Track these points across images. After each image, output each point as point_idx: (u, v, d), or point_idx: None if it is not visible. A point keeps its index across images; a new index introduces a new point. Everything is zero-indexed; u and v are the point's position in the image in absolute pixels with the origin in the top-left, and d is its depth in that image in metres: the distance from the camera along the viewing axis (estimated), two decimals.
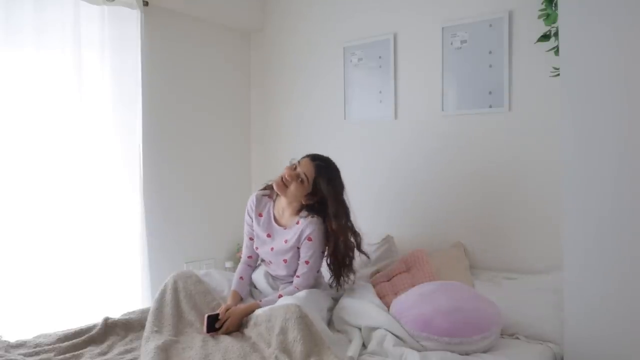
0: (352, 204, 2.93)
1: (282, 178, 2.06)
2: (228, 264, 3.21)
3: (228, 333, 1.89)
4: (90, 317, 2.25)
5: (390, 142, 2.83)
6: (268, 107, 3.43)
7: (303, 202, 2.10)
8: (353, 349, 1.76)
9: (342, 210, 2.10)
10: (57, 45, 2.40)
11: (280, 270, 2.16)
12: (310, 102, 3.20)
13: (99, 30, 2.55)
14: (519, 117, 2.39)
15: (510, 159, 2.42)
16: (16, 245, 2.28)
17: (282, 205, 2.17)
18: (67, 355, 1.76)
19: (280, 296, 2.03)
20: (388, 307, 2.04)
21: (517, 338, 1.99)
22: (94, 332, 1.91)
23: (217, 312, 1.94)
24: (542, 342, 1.94)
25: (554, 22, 2.11)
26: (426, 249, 2.43)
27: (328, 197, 2.06)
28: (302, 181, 2.05)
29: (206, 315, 1.91)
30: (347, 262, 2.12)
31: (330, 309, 2.10)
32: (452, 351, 1.75)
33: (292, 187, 2.05)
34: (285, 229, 2.14)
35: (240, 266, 2.25)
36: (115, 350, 1.83)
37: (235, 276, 2.20)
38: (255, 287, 2.24)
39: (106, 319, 1.99)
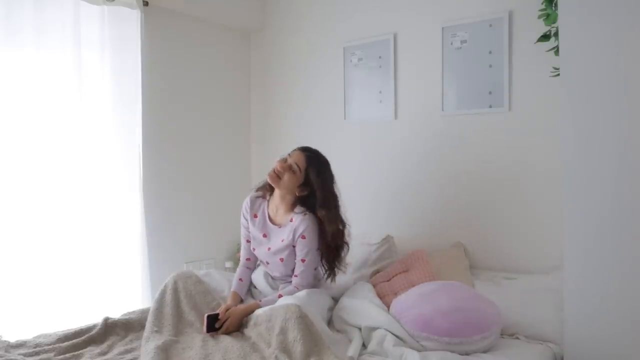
0: (353, 204, 2.93)
1: (274, 170, 2.07)
2: (228, 264, 3.21)
3: (228, 333, 1.89)
4: (90, 317, 2.25)
5: (390, 142, 2.83)
6: (268, 107, 3.43)
7: (297, 194, 2.10)
8: (353, 349, 1.76)
9: (332, 200, 2.10)
10: (57, 45, 2.40)
11: (279, 270, 2.16)
12: (310, 102, 3.20)
13: (99, 30, 2.55)
14: (519, 117, 2.39)
15: (510, 159, 2.42)
16: (16, 245, 2.28)
17: (276, 204, 2.17)
18: (67, 355, 1.76)
19: (280, 296, 2.03)
20: (388, 307, 2.04)
21: (517, 338, 1.99)
22: (94, 332, 1.91)
23: (217, 312, 1.94)
24: (542, 342, 1.94)
25: (554, 22, 2.11)
26: (426, 249, 2.43)
27: (317, 187, 2.08)
28: (294, 171, 2.06)
29: (206, 315, 1.91)
30: (339, 253, 2.12)
31: (331, 309, 2.10)
32: (452, 351, 1.75)
33: (285, 178, 2.06)
34: (280, 227, 2.14)
35: (239, 269, 2.26)
36: (115, 350, 1.83)
37: (235, 278, 2.21)
38: (255, 287, 2.24)
39: (106, 319, 1.99)
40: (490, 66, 2.45)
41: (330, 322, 2.03)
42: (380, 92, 2.85)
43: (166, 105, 2.97)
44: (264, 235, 2.18)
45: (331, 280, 2.17)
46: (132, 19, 2.69)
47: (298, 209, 2.12)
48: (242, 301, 2.11)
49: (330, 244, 2.08)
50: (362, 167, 2.93)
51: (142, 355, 1.71)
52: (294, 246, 2.10)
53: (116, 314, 2.10)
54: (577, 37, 1.73)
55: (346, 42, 2.98)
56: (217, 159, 3.27)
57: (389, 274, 2.34)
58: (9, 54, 2.25)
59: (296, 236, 2.07)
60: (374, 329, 1.88)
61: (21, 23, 2.27)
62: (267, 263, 2.19)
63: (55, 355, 1.74)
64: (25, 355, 1.72)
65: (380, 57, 2.84)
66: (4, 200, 2.26)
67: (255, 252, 2.23)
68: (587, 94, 1.72)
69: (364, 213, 2.92)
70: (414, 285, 2.13)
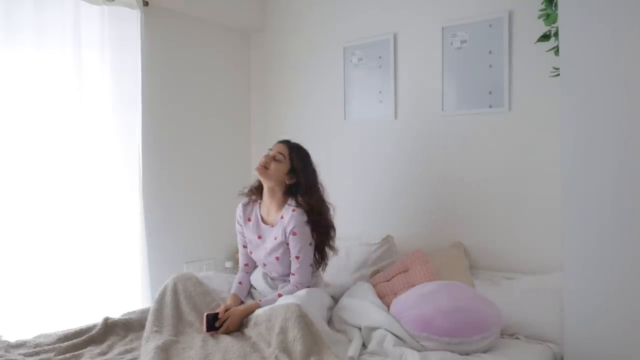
0: (353, 203, 2.96)
1: (260, 164, 2.12)
2: (228, 264, 3.22)
3: (228, 333, 1.89)
4: (90, 317, 2.26)
5: (390, 142, 2.83)
6: (268, 107, 3.43)
7: (286, 182, 2.13)
8: (353, 348, 1.76)
9: (315, 184, 2.17)
10: (57, 45, 2.40)
11: (276, 270, 2.17)
12: (310, 102, 3.20)
13: (99, 30, 2.55)
14: (519, 117, 2.39)
15: (510, 159, 2.42)
16: (16, 246, 2.28)
17: (267, 204, 2.20)
18: (67, 355, 1.76)
19: (279, 295, 2.03)
20: (388, 307, 2.04)
21: (517, 338, 1.99)
22: (94, 332, 1.91)
23: (217, 311, 1.94)
24: (542, 342, 1.94)
25: (554, 22, 2.11)
26: (426, 250, 2.43)
27: (301, 170, 2.13)
28: (279, 160, 2.12)
29: (205, 314, 1.91)
30: (329, 232, 2.17)
31: (330, 308, 2.11)
32: (452, 351, 1.76)
33: (272, 167, 2.11)
34: (273, 226, 2.15)
35: (238, 273, 2.28)
36: (115, 350, 1.83)
37: (235, 281, 2.22)
38: (254, 288, 2.24)
39: (106, 319, 1.99)
40: (490, 66, 2.45)
41: (330, 322, 2.03)
42: (380, 92, 2.85)
43: (166, 105, 2.97)
44: (259, 237, 2.19)
45: (323, 270, 2.22)
46: (132, 19, 2.69)
47: (287, 204, 2.13)
48: (241, 303, 2.11)
49: (321, 229, 2.13)
50: (362, 167, 2.93)
51: (142, 355, 1.71)
52: (287, 243, 2.11)
53: (116, 314, 2.10)
54: (577, 37, 1.73)
55: (346, 42, 2.98)
56: (217, 159, 3.27)
57: (389, 274, 2.34)
58: (9, 54, 2.25)
59: (287, 233, 2.08)
60: (374, 329, 1.89)
61: (21, 23, 2.27)
62: (265, 265, 2.20)
63: (55, 355, 1.75)
64: (25, 355, 1.72)
65: (380, 57, 2.84)
66: (4, 200, 2.25)
67: (253, 256, 2.24)
68: (587, 94, 1.72)
69: (364, 213, 2.92)
70: (413, 286, 2.13)
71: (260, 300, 2.04)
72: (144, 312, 2.09)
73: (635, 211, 1.63)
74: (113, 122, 2.62)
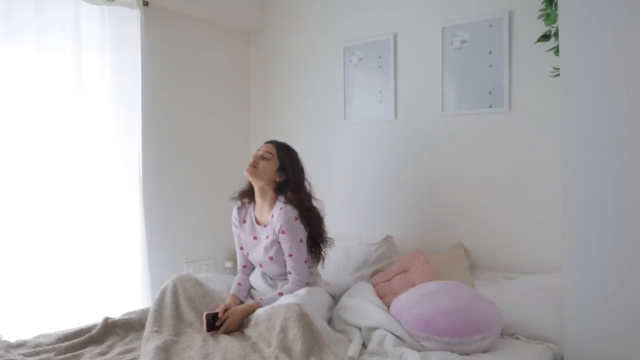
0: (352, 203, 2.96)
1: (249, 164, 2.14)
2: (228, 264, 3.22)
3: (228, 332, 1.89)
4: (90, 317, 2.26)
5: (390, 142, 2.83)
6: (268, 107, 3.43)
7: (276, 179, 2.15)
8: (353, 348, 1.76)
9: (303, 181, 2.19)
10: (57, 45, 2.40)
11: (272, 270, 2.17)
12: (310, 102, 3.20)
13: (99, 30, 2.55)
14: (519, 117, 2.39)
15: (510, 159, 2.42)
16: (16, 246, 2.28)
17: (259, 205, 2.21)
18: (67, 355, 1.76)
19: (280, 294, 2.04)
20: (388, 307, 2.04)
21: (517, 338, 1.99)
22: (94, 332, 1.91)
23: (216, 311, 1.94)
24: (542, 342, 1.94)
25: (554, 22, 2.11)
26: (425, 250, 2.43)
27: (290, 167, 2.15)
28: (267, 158, 2.15)
29: (205, 314, 1.91)
30: (321, 225, 2.19)
31: (331, 308, 2.11)
32: (452, 351, 1.76)
33: (261, 166, 2.13)
34: (265, 226, 2.16)
35: (237, 275, 2.29)
36: (115, 350, 1.83)
37: (234, 282, 2.23)
38: (254, 288, 2.24)
39: (106, 319, 1.99)
40: (490, 66, 2.45)
41: (330, 322, 2.03)
42: (380, 92, 2.85)
43: (166, 105, 2.97)
44: (254, 238, 2.20)
45: (322, 266, 2.23)
46: (132, 19, 2.68)
47: (277, 203, 2.14)
48: (241, 303, 2.11)
49: (313, 223, 2.15)
50: (362, 167, 2.93)
51: (142, 355, 1.71)
52: (279, 242, 2.11)
53: (116, 314, 2.10)
54: (577, 37, 1.73)
55: (346, 42, 2.98)
56: (217, 159, 3.27)
57: (389, 274, 2.34)
58: (9, 54, 2.25)
59: (277, 232, 2.09)
60: (374, 329, 1.89)
61: (21, 23, 2.27)
62: (261, 265, 2.20)
63: (55, 355, 1.75)
64: (25, 355, 1.72)
65: (380, 57, 2.84)
66: (4, 200, 2.25)
67: (250, 257, 2.25)
68: (587, 94, 1.72)
69: (364, 213, 2.92)
70: (413, 286, 2.13)
71: (260, 300, 2.04)
72: (144, 312, 2.09)
73: (635, 211, 1.63)
74: (113, 122, 2.62)
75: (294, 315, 1.73)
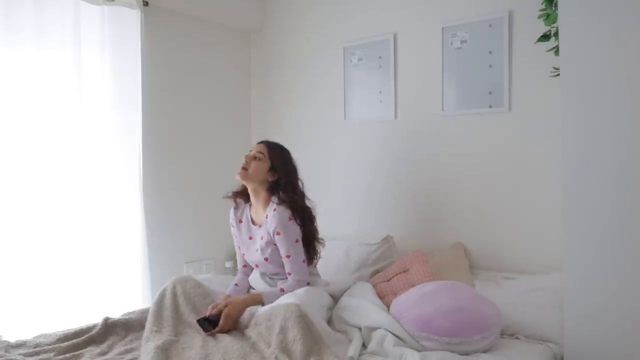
0: (352, 204, 2.96)
1: (240, 167, 2.14)
2: (228, 264, 3.22)
3: (227, 329, 1.89)
4: (90, 317, 2.25)
5: (390, 142, 2.83)
6: (268, 107, 3.43)
7: (269, 179, 2.15)
8: (353, 348, 1.76)
9: (296, 180, 2.19)
10: (57, 45, 2.40)
11: (269, 270, 2.18)
12: (310, 102, 3.20)
13: (99, 30, 2.55)
14: (519, 117, 2.39)
15: (510, 159, 2.42)
16: (16, 246, 2.28)
17: (255, 205, 2.22)
18: (67, 355, 1.76)
19: (282, 290, 2.04)
20: (388, 307, 2.04)
21: (517, 338, 1.99)
22: (94, 332, 1.91)
23: (205, 315, 1.94)
24: (542, 342, 1.94)
25: (554, 22, 2.11)
26: (426, 250, 2.43)
27: (281, 167, 2.15)
28: (259, 159, 2.15)
29: (195, 321, 1.92)
30: (313, 223, 2.19)
31: (330, 308, 2.11)
32: (452, 351, 1.76)
33: (252, 167, 2.13)
34: (260, 227, 2.17)
35: (237, 275, 2.29)
36: (115, 350, 1.83)
37: (231, 283, 2.23)
38: (253, 288, 2.24)
39: (106, 319, 1.99)
40: (490, 66, 2.45)
41: (330, 322, 2.03)
42: (380, 92, 2.85)
43: (166, 105, 2.97)
44: (250, 238, 2.21)
45: (315, 265, 2.24)
46: (132, 18, 2.68)
47: (270, 204, 2.14)
48: None
49: (306, 221, 2.15)
50: (362, 167, 2.93)
51: (142, 355, 1.71)
52: (274, 244, 2.11)
53: (116, 314, 2.10)
54: (577, 37, 1.73)
55: (346, 42, 2.98)
56: (217, 158, 3.27)
57: (389, 274, 2.34)
58: (9, 54, 2.25)
59: (271, 234, 2.09)
60: (374, 329, 1.88)
61: (21, 23, 2.27)
62: (257, 265, 2.21)
63: (55, 355, 1.74)
64: (25, 355, 1.72)
65: (380, 57, 2.84)
66: (4, 200, 2.25)
67: (246, 257, 2.26)
68: (587, 94, 1.72)
69: (364, 213, 2.92)
70: (413, 286, 2.13)
71: (262, 293, 2.04)
72: (144, 312, 2.09)
73: (635, 211, 1.63)
74: (113, 122, 2.62)
75: (294, 315, 1.73)
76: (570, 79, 1.76)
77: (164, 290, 2.07)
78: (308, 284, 2.11)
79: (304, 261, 2.13)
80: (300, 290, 1.99)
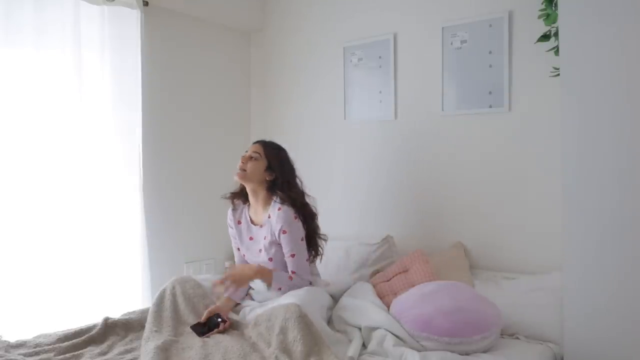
0: (352, 204, 2.96)
1: (238, 168, 2.15)
2: (228, 264, 3.21)
3: (224, 331, 1.89)
4: (90, 317, 2.25)
5: (390, 142, 2.83)
6: (268, 107, 3.43)
7: (267, 179, 2.15)
8: (353, 348, 1.76)
9: (294, 178, 2.20)
10: (57, 45, 2.40)
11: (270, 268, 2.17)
12: (310, 102, 3.20)
13: (99, 30, 2.55)
14: (519, 117, 2.39)
15: (510, 159, 2.42)
16: (16, 246, 2.28)
17: (254, 205, 2.22)
18: (67, 355, 1.76)
19: (290, 278, 2.07)
20: (388, 307, 2.04)
21: (517, 338, 1.99)
22: (94, 332, 1.91)
23: (200, 320, 1.95)
24: (542, 342, 1.94)
25: (554, 22, 2.11)
26: (426, 250, 2.43)
27: (278, 165, 2.16)
28: (255, 158, 2.15)
29: (189, 327, 1.92)
30: (314, 219, 2.20)
31: (330, 308, 2.11)
32: (452, 351, 1.76)
33: (250, 167, 2.13)
34: (261, 227, 2.17)
35: None
36: (115, 350, 1.83)
37: None
38: (252, 288, 2.24)
39: (106, 319, 1.99)
40: (490, 66, 2.45)
41: (330, 322, 2.03)
42: (380, 92, 2.85)
43: (166, 105, 2.97)
44: (250, 238, 2.21)
45: (320, 260, 2.25)
46: (132, 18, 2.68)
47: (273, 202, 2.14)
48: (237, 305, 2.12)
49: (307, 218, 2.16)
50: (362, 167, 2.93)
51: (142, 355, 1.71)
52: (278, 243, 2.11)
53: (116, 314, 2.10)
54: (577, 37, 1.73)
55: (346, 42, 2.98)
56: (217, 159, 3.27)
57: (389, 274, 2.34)
58: (9, 54, 2.25)
59: (277, 232, 2.09)
60: (374, 329, 1.88)
61: (21, 23, 2.27)
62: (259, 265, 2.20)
63: (55, 355, 1.74)
64: (25, 355, 1.72)
65: (380, 57, 2.84)
66: (4, 200, 2.25)
67: (246, 258, 2.26)
68: (587, 94, 1.72)
69: (364, 213, 2.92)
70: (413, 286, 2.13)
71: (274, 269, 2.08)
72: (144, 312, 2.09)
73: (635, 211, 1.63)
74: (113, 122, 2.62)
75: (294, 316, 1.73)
76: (570, 79, 1.76)
77: (164, 291, 2.07)
78: (310, 283, 2.12)
79: (307, 260, 2.14)
80: (301, 291, 1.99)
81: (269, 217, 2.13)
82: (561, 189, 1.79)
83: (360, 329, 1.92)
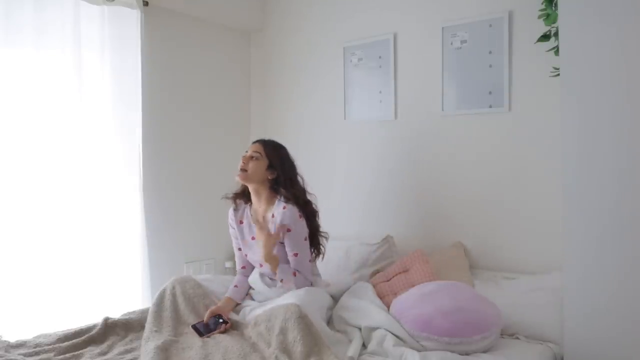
0: (353, 204, 2.96)
1: (239, 169, 2.15)
2: (228, 264, 3.22)
3: (225, 331, 1.89)
4: (90, 317, 2.25)
5: (390, 142, 2.82)
6: (268, 107, 3.43)
7: (268, 177, 2.15)
8: (353, 349, 1.76)
9: (295, 176, 2.20)
10: (57, 45, 2.40)
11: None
12: (310, 102, 3.20)
13: (99, 30, 2.55)
14: (519, 117, 2.39)
15: (510, 159, 2.42)
16: (16, 246, 2.28)
17: (256, 204, 2.22)
18: (67, 355, 1.76)
19: (294, 274, 2.07)
20: (388, 307, 2.04)
21: (517, 338, 1.99)
22: (94, 332, 1.91)
23: (201, 320, 1.95)
24: (542, 342, 1.94)
25: (554, 22, 2.11)
26: (426, 250, 2.43)
27: (279, 165, 2.16)
28: (256, 158, 2.15)
29: (190, 326, 1.92)
30: (315, 218, 2.21)
31: (330, 308, 2.11)
32: (452, 351, 1.76)
33: (251, 167, 2.13)
34: None
35: (236, 276, 2.29)
36: (115, 350, 1.83)
37: (231, 284, 2.22)
38: (252, 288, 2.24)
39: (106, 319, 1.99)
40: (490, 66, 2.45)
41: (330, 322, 2.04)
42: (380, 92, 2.85)
43: (166, 105, 2.97)
44: (252, 238, 2.21)
45: (322, 259, 2.26)
46: (132, 18, 2.68)
47: (277, 201, 2.14)
48: (237, 305, 2.13)
49: (310, 216, 2.17)
50: (362, 167, 2.93)
51: (142, 355, 1.71)
52: (281, 242, 2.11)
53: (116, 314, 2.11)
54: (577, 37, 1.73)
55: (346, 42, 2.98)
56: (217, 158, 3.27)
57: (389, 274, 2.34)
58: (9, 54, 2.25)
59: (281, 232, 2.09)
60: (374, 329, 1.89)
61: (21, 23, 2.27)
62: (261, 265, 2.20)
63: (55, 355, 1.75)
64: (25, 355, 1.72)
65: (380, 57, 2.84)
66: (4, 200, 2.25)
67: (248, 257, 2.25)
68: (587, 94, 1.72)
69: (364, 213, 2.92)
70: (413, 286, 2.13)
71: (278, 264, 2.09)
72: (144, 312, 2.09)
73: (635, 211, 1.63)
74: (113, 122, 2.62)
75: (294, 316, 1.73)
76: (570, 79, 1.76)
77: (164, 291, 2.07)
78: (311, 283, 2.12)
79: (310, 261, 2.14)
80: (301, 291, 1.99)
81: (273, 216, 2.13)
82: (561, 189, 1.79)
83: (360, 329, 1.92)
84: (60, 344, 1.82)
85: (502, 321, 1.90)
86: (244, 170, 2.13)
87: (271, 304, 1.95)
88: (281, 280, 2.07)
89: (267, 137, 2.37)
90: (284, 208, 2.10)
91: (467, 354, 1.77)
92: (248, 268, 2.28)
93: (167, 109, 2.98)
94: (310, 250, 2.20)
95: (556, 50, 2.10)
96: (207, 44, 3.22)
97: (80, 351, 1.80)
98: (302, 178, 2.22)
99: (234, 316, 2.01)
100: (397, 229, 2.71)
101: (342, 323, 1.99)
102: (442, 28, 2.59)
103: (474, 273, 2.41)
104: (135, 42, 2.70)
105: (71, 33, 2.43)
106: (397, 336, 1.83)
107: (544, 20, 2.16)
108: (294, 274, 2.07)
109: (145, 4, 2.75)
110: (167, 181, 2.97)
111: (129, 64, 2.68)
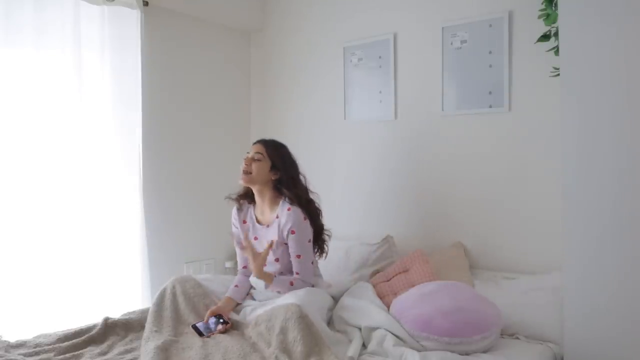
0: (353, 204, 2.96)
1: (242, 171, 2.15)
2: (228, 264, 3.22)
3: (225, 331, 1.89)
4: (90, 317, 2.25)
5: (390, 142, 2.83)
6: (268, 107, 3.43)
7: (272, 178, 2.15)
8: (353, 349, 1.76)
9: (298, 175, 2.21)
10: (57, 45, 2.40)
11: (277, 269, 2.17)
12: (310, 102, 3.20)
13: (99, 30, 2.55)
14: (519, 117, 2.39)
15: (510, 159, 2.42)
16: (16, 246, 2.28)
17: (260, 205, 2.22)
18: (67, 355, 1.76)
19: (291, 283, 2.07)
20: (388, 307, 2.04)
21: (517, 338, 1.99)
22: (94, 332, 1.92)
23: (202, 321, 1.95)
24: (542, 342, 1.94)
25: (554, 22, 2.11)
26: (426, 250, 2.43)
27: (281, 165, 2.16)
28: (259, 159, 2.15)
29: (191, 326, 1.92)
30: (318, 216, 2.22)
31: (330, 309, 2.11)
32: (452, 351, 1.76)
33: (254, 169, 2.13)
34: (268, 227, 2.17)
35: (237, 276, 2.29)
36: (115, 350, 1.83)
37: (232, 284, 2.22)
38: (253, 288, 2.24)
39: (106, 319, 1.99)
40: (490, 66, 2.45)
41: (330, 322, 2.04)
42: (380, 92, 2.85)
43: (166, 105, 2.97)
44: (255, 238, 2.21)
45: (325, 257, 2.27)
46: (132, 18, 2.68)
47: (282, 202, 2.14)
48: (237, 305, 2.12)
49: (313, 216, 2.18)
50: (362, 167, 2.93)
51: (142, 355, 1.71)
52: (285, 243, 2.11)
53: (116, 314, 2.11)
54: (577, 37, 1.73)
55: (346, 42, 2.98)
56: (217, 158, 3.27)
57: (389, 274, 2.34)
58: (9, 54, 2.25)
59: (285, 232, 2.09)
60: (374, 329, 1.89)
61: (21, 23, 2.27)
62: (264, 265, 2.20)
63: (55, 355, 1.75)
64: (25, 355, 1.72)
65: (380, 57, 2.84)
66: (4, 200, 2.25)
67: None
68: (587, 94, 1.72)
69: (364, 213, 2.92)
70: (413, 286, 2.13)
71: (274, 273, 2.09)
72: (144, 312, 2.09)
73: (635, 211, 1.63)
74: (113, 122, 2.62)
75: (294, 316, 1.73)
76: (570, 79, 1.76)
77: (164, 291, 2.07)
78: (312, 285, 2.12)
79: (312, 263, 2.14)
80: (301, 291, 1.99)
81: (277, 217, 2.13)
82: (561, 189, 1.79)
83: (360, 329, 1.92)
84: (60, 344, 1.82)
85: (502, 321, 1.90)
86: (247, 172, 2.13)
87: (272, 304, 1.95)
88: (278, 292, 2.07)
89: (267, 137, 2.37)
90: (289, 209, 2.10)
91: (467, 354, 1.78)
92: (249, 268, 2.28)
93: (167, 109, 2.98)
94: (314, 249, 2.20)
95: (556, 50, 2.10)
96: (207, 44, 3.22)
97: (80, 351, 1.80)
98: (304, 177, 2.22)
99: (234, 316, 2.01)
100: (397, 229, 2.71)
101: (342, 323, 1.99)
102: (442, 28, 2.59)
103: (474, 273, 2.41)
104: (135, 42, 2.70)
105: (71, 33, 2.43)
106: (397, 336, 1.83)
107: (544, 20, 2.16)
108: (291, 283, 2.07)
109: (145, 4, 2.75)
110: (167, 181, 2.97)
111: (129, 64, 2.68)
